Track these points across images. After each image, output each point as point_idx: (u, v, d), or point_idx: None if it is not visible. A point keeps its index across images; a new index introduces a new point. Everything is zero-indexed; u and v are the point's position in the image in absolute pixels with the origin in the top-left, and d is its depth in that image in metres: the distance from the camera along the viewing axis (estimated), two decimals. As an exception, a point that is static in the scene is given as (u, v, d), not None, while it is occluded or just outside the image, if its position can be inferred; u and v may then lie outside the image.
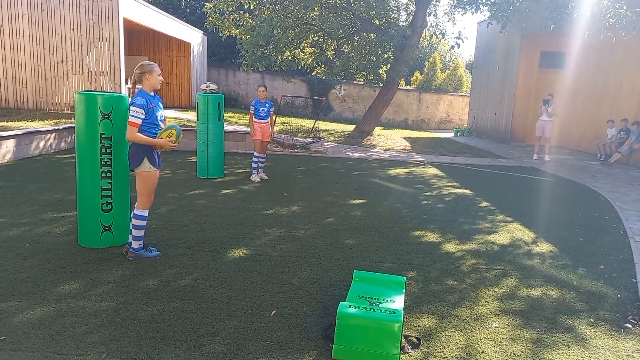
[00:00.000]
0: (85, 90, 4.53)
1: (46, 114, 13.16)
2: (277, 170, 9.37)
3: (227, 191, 7.30)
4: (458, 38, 14.57)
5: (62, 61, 13.67)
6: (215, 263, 4.29)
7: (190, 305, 3.43)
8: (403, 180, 9.04)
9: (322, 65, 17.41)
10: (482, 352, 3.01)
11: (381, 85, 15.63)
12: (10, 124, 10.97)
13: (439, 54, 26.23)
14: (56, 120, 11.80)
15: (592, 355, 3.04)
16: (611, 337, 3.28)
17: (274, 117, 8.55)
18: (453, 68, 25.58)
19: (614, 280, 4.31)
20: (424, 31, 15.79)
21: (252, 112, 8.09)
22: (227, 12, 14.53)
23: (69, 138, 10.97)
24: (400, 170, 10.22)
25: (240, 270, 4.13)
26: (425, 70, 25.42)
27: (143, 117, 3.97)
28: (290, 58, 15.60)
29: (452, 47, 16.87)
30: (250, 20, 14.38)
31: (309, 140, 13.93)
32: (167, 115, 15.38)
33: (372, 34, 15.24)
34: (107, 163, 4.41)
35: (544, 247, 5.21)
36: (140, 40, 20.28)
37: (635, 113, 12.59)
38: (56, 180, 7.41)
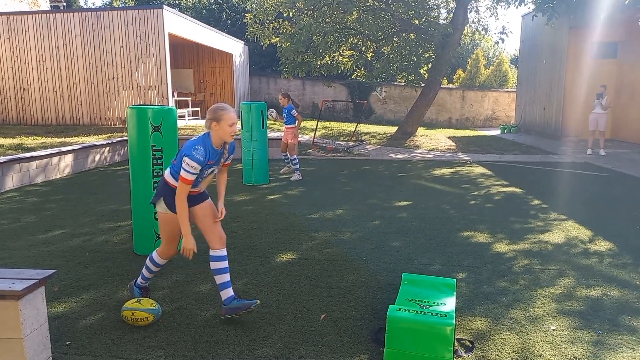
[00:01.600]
0: (136, 105, 4.73)
1: (100, 128, 13.83)
2: (321, 175, 9.42)
3: (272, 197, 7.41)
4: (502, 33, 14.22)
5: (113, 78, 14.33)
6: (264, 268, 4.36)
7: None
8: (449, 181, 8.87)
9: (362, 68, 17.39)
10: (540, 356, 2.91)
11: (422, 85, 15.43)
12: (68, 139, 11.60)
13: (482, 50, 25.58)
14: (109, 135, 12.37)
15: (660, 358, 2.87)
16: (681, 340, 3.09)
17: (299, 117, 8.98)
18: (497, 64, 24.88)
19: (682, 279, 4.06)
20: (466, 28, 15.48)
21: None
22: (267, 21, 14.80)
23: (122, 151, 11.46)
24: (446, 171, 10.03)
25: (288, 275, 4.18)
26: (468, 67, 24.86)
27: (197, 174, 3.13)
28: (329, 63, 15.69)
29: (497, 42, 16.49)
30: (290, 28, 14.59)
31: (351, 143, 13.92)
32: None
33: (411, 34, 15.10)
34: (159, 174, 4.57)
35: (602, 246, 4.98)
36: (184, 53, 20.97)
37: (698, 101, 11.82)
38: (112, 192, 7.76)
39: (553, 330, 3.23)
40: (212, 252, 3.40)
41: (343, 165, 10.75)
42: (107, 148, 10.92)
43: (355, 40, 15.39)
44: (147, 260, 3.52)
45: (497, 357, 2.90)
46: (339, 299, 3.72)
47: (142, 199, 4.61)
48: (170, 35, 14.61)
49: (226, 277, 3.34)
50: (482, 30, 16.22)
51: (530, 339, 3.11)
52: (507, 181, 8.73)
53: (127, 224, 5.75)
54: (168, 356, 2.87)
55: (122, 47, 14.16)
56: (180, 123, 15.63)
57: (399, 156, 12.20)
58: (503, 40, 15.14)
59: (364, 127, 18.30)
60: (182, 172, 3.09)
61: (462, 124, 24.06)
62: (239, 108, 17.34)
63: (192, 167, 3.08)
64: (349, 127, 17.77)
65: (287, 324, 3.29)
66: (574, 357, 2.90)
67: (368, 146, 13.82)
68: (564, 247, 4.94)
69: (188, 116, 17.17)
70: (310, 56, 14.45)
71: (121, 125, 14.26)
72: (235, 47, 21.08)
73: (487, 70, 24.75)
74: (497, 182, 8.65)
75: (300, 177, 8.87)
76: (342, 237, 5.29)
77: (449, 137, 16.24)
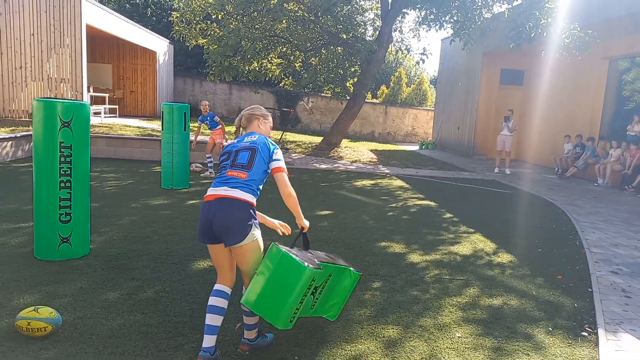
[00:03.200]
0: (44, 97, 4.39)
1: (3, 121, 12.66)
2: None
3: (192, 202, 7.19)
4: (423, 54, 14.94)
5: (21, 67, 13.23)
6: (178, 275, 4.20)
7: (151, 319, 3.34)
8: (369, 192, 9.13)
9: (290, 77, 17.48)
10: (445, 362, 3.06)
11: (348, 98, 15.80)
12: (-38, 130, 10.50)
13: (404, 68, 26.76)
14: (13, 128, 11.36)
15: (550, 362, 3.13)
16: (568, 345, 3.39)
17: (222, 123, 9.94)
18: (418, 83, 26.13)
19: (571, 290, 4.47)
20: (390, 46, 16.10)
21: (200, 124, 9.97)
22: (194, 22, 14.43)
23: (27, 146, 10.57)
24: (367, 182, 10.32)
25: (204, 283, 4.06)
26: (391, 84, 25.87)
27: None
28: (257, 69, 15.60)
29: (417, 62, 17.37)
30: (218, 31, 14.32)
31: (276, 151, 13.88)
32: (131, 124, 15.07)
33: (339, 48, 15.43)
34: (67, 172, 4.27)
35: (504, 258, 5.36)
36: (104, 47, 19.87)
37: (589, 129, 13.17)
38: (12, 190, 7.12)
39: (458, 337, 3.41)
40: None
41: (266, 172, 10.68)
42: (10, 142, 10.03)
43: (284, 48, 15.45)
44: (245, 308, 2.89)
45: (406, 364, 3.01)
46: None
47: (45, 199, 4.27)
48: (88, 26, 13.77)
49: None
50: (405, 49, 16.95)
51: (437, 346, 3.26)
52: (423, 194, 9.15)
53: (28, 225, 5.29)
54: (67, 369, 2.67)
55: (33, 35, 13.12)
56: (96, 120, 14.74)
57: (323, 166, 12.37)
58: (424, 61, 16.02)
59: (290, 136, 18.36)
60: (281, 163, 2.95)
61: (384, 138, 24.91)
62: (160, 108, 16.70)
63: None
64: (275, 135, 17.73)
65: (199, 333, 3.17)
66: (476, 363, 3.07)
67: (293, 155, 13.87)
68: (471, 259, 5.26)
69: (105, 113, 16.23)
70: (239, 61, 14.28)
71: (27, 119, 13.16)
72: (159, 45, 20.32)
73: (408, 88, 25.89)
74: (413, 195, 9.03)
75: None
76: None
77: (371, 150, 16.74)
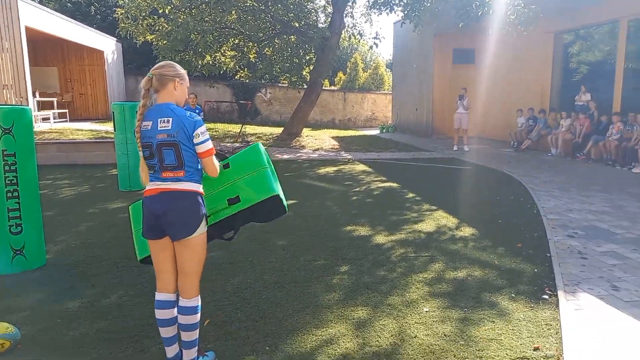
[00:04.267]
0: (-19, 104, 4.16)
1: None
2: (205, 178, 9.13)
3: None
4: (375, 38, 15.12)
5: (-42, 75, 12.51)
6: (141, 278, 4.09)
7: (115, 325, 3.25)
8: (332, 179, 9.15)
9: (245, 69, 17.25)
10: (415, 337, 3.11)
11: (305, 86, 15.75)
12: None
13: (359, 54, 26.87)
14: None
15: (515, 327, 3.23)
16: (531, 309, 3.51)
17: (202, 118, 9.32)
18: (374, 67, 26.33)
19: (531, 257, 4.62)
20: (343, 32, 16.10)
21: None
22: (141, 17, 13.99)
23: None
24: (330, 169, 10.34)
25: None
26: (348, 70, 25.94)
27: None
28: (211, 62, 15.31)
29: (371, 47, 17.40)
30: (166, 25, 13.94)
31: (237, 145, 13.73)
32: (83, 128, 14.55)
33: (292, 36, 15.33)
34: (13, 182, 4.07)
35: (466, 231, 5.49)
36: (47, 49, 19.00)
37: (539, 102, 13.61)
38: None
39: (426, 312, 3.47)
40: (191, 302, 2.68)
41: (228, 167, 10.53)
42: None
43: (237, 40, 15.21)
44: (188, 319, 2.66)
45: (377, 342, 3.04)
46: (224, 302, 3.62)
47: (-7, 211, 4.06)
48: (28, 29, 13.14)
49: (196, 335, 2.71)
50: (357, 34, 17.00)
51: (406, 322, 3.31)
52: (385, 177, 9.25)
53: (-23, 240, 5.02)
54: (28, 385, 2.56)
55: (-32, 40, 12.41)
56: (45, 126, 14.14)
57: (285, 156, 12.31)
58: (377, 45, 16.15)
59: (250, 129, 18.18)
60: (208, 144, 2.62)
61: (344, 125, 25.01)
62: (111, 109, 16.16)
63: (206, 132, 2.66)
64: (235, 128, 17.52)
65: (167, 334, 3.11)
66: (444, 334, 3.14)
67: (253, 147, 13.72)
68: (435, 235, 5.36)
69: (54, 118, 15.57)
70: (190, 55, 13.97)
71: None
72: (106, 44, 19.63)
73: (365, 73, 26.06)
74: (376, 178, 9.12)
75: None
76: (224, 242, 5.15)
77: (332, 137, 16.77)
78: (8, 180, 4.05)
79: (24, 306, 3.51)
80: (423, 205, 6.80)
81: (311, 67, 15.59)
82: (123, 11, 14.06)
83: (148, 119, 2.60)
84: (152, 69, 2.65)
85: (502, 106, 15.41)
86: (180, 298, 2.68)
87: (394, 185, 8.41)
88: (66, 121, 16.86)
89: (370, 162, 11.45)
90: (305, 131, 18.26)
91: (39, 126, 13.49)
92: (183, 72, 2.72)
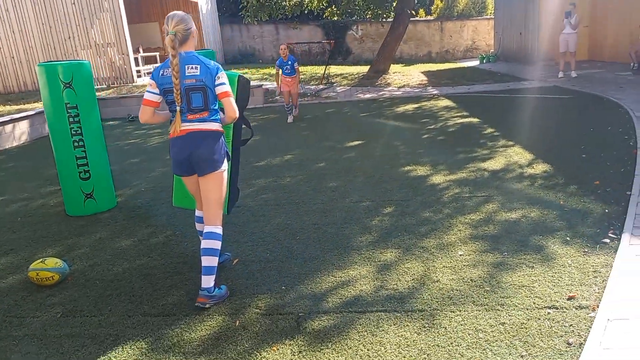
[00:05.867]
0: (46, 62, 4.53)
1: (63, 92, 13.45)
2: (281, 121, 9.25)
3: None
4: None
5: (70, 37, 13.81)
6: (192, 219, 4.31)
7: (155, 262, 3.50)
8: (409, 117, 8.73)
9: (333, 6, 16.71)
10: (437, 281, 2.92)
11: (390, 19, 14.91)
12: (27, 106, 11.32)
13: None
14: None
15: (556, 274, 2.89)
16: (583, 254, 3.10)
17: (299, 71, 8.92)
18: (475, -10, 23.93)
19: (606, 195, 4.04)
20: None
21: (279, 71, 8.73)
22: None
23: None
24: (410, 107, 9.86)
25: (214, 223, 4.15)
26: (445, -4, 23.93)
27: None
28: (296, 3, 15.06)
29: None
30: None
31: (320, 87, 13.62)
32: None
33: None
34: (77, 132, 4.45)
35: (538, 169, 4.94)
36: (148, 5, 20.11)
37: (670, 12, 11.44)
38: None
39: (460, 255, 3.23)
40: (217, 229, 2.92)
41: (308, 110, 10.52)
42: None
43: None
44: (213, 244, 2.88)
45: (394, 286, 2.92)
46: (258, 243, 3.71)
47: (64, 160, 4.52)
48: (124, -13, 13.93)
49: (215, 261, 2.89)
50: None
51: (433, 266, 3.12)
52: (468, 112, 8.59)
53: (68, 186, 5.67)
54: (66, 312, 2.89)
55: (74, 3, 13.54)
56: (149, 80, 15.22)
57: (367, 96, 11.96)
58: None
59: (339, 69, 17.85)
60: (226, 87, 2.81)
61: (442, 57, 23.48)
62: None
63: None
64: (319, 70, 17.31)
65: (196, 271, 3.28)
66: (470, 279, 2.91)
67: (338, 88, 13.52)
68: (500, 173, 4.90)
69: (156, 72, 16.66)
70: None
71: (85, 87, 13.89)
72: (200, -5, 20.21)
73: (465, -2, 23.84)
74: (457, 114, 8.51)
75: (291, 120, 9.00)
76: (282, 182, 5.24)
77: (423, 72, 15.88)
78: (73, 131, 4.44)
79: (84, 244, 3.93)
80: (498, 142, 6.23)
81: (397, -2, 14.62)
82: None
83: (169, 65, 2.78)
84: (172, 25, 2.76)
85: (622, 22, 13.25)
86: (205, 225, 2.94)
87: (474, 120, 7.78)
88: (168, 73, 17.95)
89: (456, 96, 10.69)
90: (396, 67, 17.47)
91: (143, 80, 14.56)
92: (193, 25, 2.87)
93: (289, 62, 8.61)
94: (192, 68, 2.78)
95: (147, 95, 2.86)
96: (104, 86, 13.78)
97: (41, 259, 3.27)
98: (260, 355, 2.38)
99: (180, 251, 3.65)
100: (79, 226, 4.35)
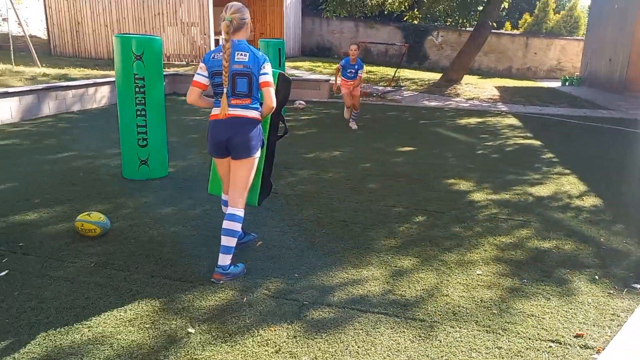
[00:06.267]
0: (121, 34, 4.90)
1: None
2: (340, 117, 9.34)
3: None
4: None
5: (159, 13, 14.68)
6: (231, 197, 4.54)
7: (188, 231, 3.74)
8: (469, 130, 8.54)
9: (414, 9, 16.54)
10: (446, 296, 2.92)
11: (471, 28, 14.54)
12: (112, 72, 12.18)
13: (553, -8, 23.39)
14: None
15: (571, 309, 2.80)
16: (608, 295, 2.97)
17: (361, 79, 7.90)
18: (569, 8, 22.73)
19: (653, 240, 3.81)
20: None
21: (339, 70, 7.84)
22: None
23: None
24: (473, 120, 9.63)
25: (249, 207, 4.33)
26: (535, 11, 22.93)
27: None
28: (377, 2, 15.05)
29: None
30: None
31: (389, 88, 13.58)
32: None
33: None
34: (141, 102, 4.80)
35: (588, 201, 4.72)
36: (236, -9, 20.84)
37: None
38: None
39: (478, 275, 3.20)
40: (241, 212, 3.09)
41: (369, 110, 10.56)
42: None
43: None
44: (235, 225, 3.04)
45: (402, 292, 2.95)
46: (285, 229, 3.85)
47: (126, 126, 4.89)
48: (215, -29, 14.57)
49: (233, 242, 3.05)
50: None
51: (447, 280, 3.11)
52: (532, 133, 8.27)
53: (130, 151, 6.11)
54: (99, 262, 3.17)
55: (167, -17, 14.37)
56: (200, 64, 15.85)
57: (432, 104, 11.80)
58: None
59: (410, 73, 17.68)
60: (269, 77, 2.99)
61: (522, 74, 22.53)
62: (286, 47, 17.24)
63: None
64: (399, 73, 17.21)
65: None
66: (481, 299, 2.88)
67: (406, 93, 13.43)
68: (545, 200, 4.73)
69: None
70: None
71: (165, 61, 14.72)
72: (286, -14, 20.67)
73: (557, 15, 22.72)
74: (519, 134, 8.22)
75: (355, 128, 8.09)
76: (324, 176, 5.35)
77: (497, 87, 15.37)
78: (137, 100, 4.79)
79: (130, 205, 4.25)
80: (554, 168, 5.98)
81: (482, 7, 14.24)
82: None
83: (221, 50, 2.96)
84: (229, 13, 2.94)
85: None
86: (229, 207, 3.11)
87: (536, 143, 7.49)
88: (245, 58, 18.58)
89: (525, 116, 10.29)
90: (471, 79, 17.05)
91: (219, 61, 15.19)
92: (249, 16, 3.04)
93: (355, 67, 7.66)
94: (241, 55, 2.94)
95: (196, 77, 3.05)
96: (184, 63, 14.53)
97: (88, 212, 3.60)
98: (257, 332, 2.51)
99: (213, 225, 3.86)
100: (130, 188, 4.70)
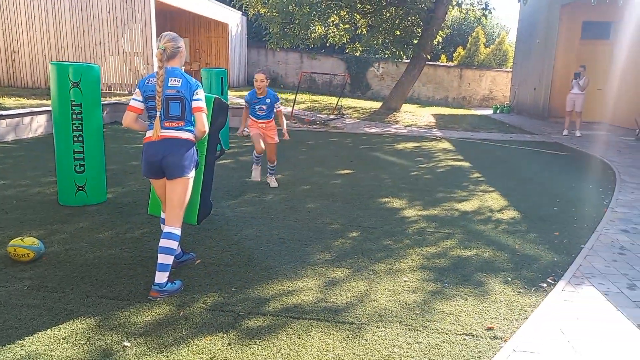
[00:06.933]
0: (57, 61, 4.93)
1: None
2: (284, 143, 9.55)
3: (219, 162, 7.63)
4: (485, 9, 14.02)
5: (100, 43, 14.53)
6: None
7: (125, 254, 3.77)
8: (406, 154, 9.00)
9: (357, 42, 17.26)
10: (374, 301, 3.13)
11: (407, 60, 15.39)
12: (48, 101, 11.89)
13: (482, 28, 25.16)
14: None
15: (485, 307, 3.08)
16: (518, 294, 3.28)
17: (281, 116, 6.02)
18: (498, 42, 24.51)
19: (560, 246, 4.23)
20: (453, 5, 15.28)
21: (246, 108, 5.93)
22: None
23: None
24: (409, 145, 10.15)
25: (189, 227, 4.42)
26: (467, 45, 24.54)
27: None
28: (319, 35, 15.62)
29: (479, 19, 16.18)
30: (276, -2, 14.55)
31: (332, 116, 14.03)
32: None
33: (393, 8, 14.95)
34: (78, 128, 4.82)
35: (507, 215, 5.14)
36: (180, 22, 20.99)
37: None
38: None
39: (404, 281, 3.44)
40: (175, 230, 3.16)
41: (312, 136, 10.90)
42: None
43: (343, 12, 15.31)
44: (170, 243, 3.11)
45: (334, 300, 3.14)
46: (224, 248, 3.96)
47: (62, 152, 4.87)
48: (158, 2, 14.69)
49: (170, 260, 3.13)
50: (459, 4, 15.87)
51: (376, 287, 3.33)
52: (462, 156, 8.84)
53: (67, 178, 6.02)
54: (32, 286, 3.16)
55: (109, 12, 14.31)
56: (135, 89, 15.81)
57: (373, 130, 12.31)
58: (486, 17, 14.83)
59: (353, 102, 18.33)
60: (201, 103, 3.15)
61: (458, 103, 23.88)
62: (231, 78, 17.37)
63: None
64: (341, 101, 17.79)
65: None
66: (405, 303, 3.12)
67: (348, 120, 13.91)
68: (470, 215, 5.11)
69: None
70: (296, 27, 14.44)
71: (106, 90, 14.52)
72: (231, 17, 21.06)
73: (487, 49, 24.41)
74: (451, 157, 8.76)
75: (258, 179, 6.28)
76: (264, 198, 5.51)
77: (433, 114, 16.23)
78: (74, 126, 4.80)
79: (66, 230, 4.22)
80: (480, 186, 6.45)
81: (415, 41, 15.13)
82: (239, -15, 14.97)
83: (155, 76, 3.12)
84: (163, 42, 3.11)
85: (636, 88, 13.49)
86: (165, 225, 3.19)
87: (465, 164, 8.02)
88: (190, 87, 18.63)
89: (458, 141, 10.96)
90: (409, 107, 17.90)
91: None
92: (183, 45, 3.22)
93: (266, 101, 5.70)
94: (174, 80, 3.12)
95: (131, 102, 3.19)
96: (126, 92, 14.38)
97: (21, 237, 3.57)
98: (193, 342, 2.61)
99: (150, 247, 3.91)
100: (65, 214, 4.66)
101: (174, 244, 3.15)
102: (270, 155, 6.01)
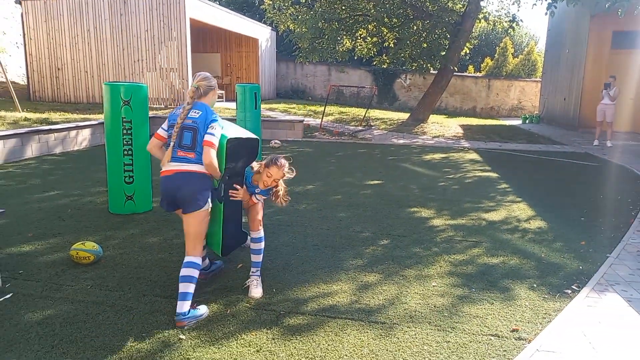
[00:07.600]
0: (111, 82, 5.37)
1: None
2: (314, 155, 9.91)
3: (257, 172, 7.96)
4: (512, 21, 14.10)
5: (139, 60, 15.25)
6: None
7: (173, 257, 4.11)
8: (433, 165, 9.18)
9: (384, 54, 17.57)
10: (405, 303, 3.36)
11: (434, 72, 15.57)
12: (92, 116, 12.57)
13: (511, 38, 25.08)
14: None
15: (510, 311, 3.26)
16: (543, 299, 3.45)
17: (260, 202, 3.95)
18: (527, 52, 24.39)
19: (586, 255, 4.35)
20: (484, 18, 15.41)
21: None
22: (284, 7, 15.28)
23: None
24: (437, 156, 10.31)
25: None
26: (495, 55, 24.50)
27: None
28: (348, 49, 15.98)
29: (507, 30, 16.24)
30: (305, 14, 15.00)
31: (360, 128, 14.30)
32: (230, 107, 16.53)
33: (420, 21, 15.19)
34: (128, 142, 5.22)
35: (534, 224, 5.27)
36: (212, 38, 21.75)
37: None
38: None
39: (433, 286, 3.66)
40: (195, 259, 3.24)
41: (341, 147, 11.18)
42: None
43: (370, 27, 15.64)
44: (191, 272, 3.16)
45: (367, 302, 3.38)
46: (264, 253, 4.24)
47: (113, 164, 5.28)
48: (193, 20, 15.34)
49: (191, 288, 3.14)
50: (486, 18, 15.94)
51: (406, 291, 3.56)
52: (490, 167, 8.95)
53: (114, 189, 6.46)
54: (95, 285, 3.51)
55: (147, 31, 15.02)
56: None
57: (401, 141, 12.51)
58: (513, 29, 14.90)
59: (380, 113, 18.56)
60: (210, 137, 3.16)
61: (486, 113, 23.82)
62: (262, 90, 17.94)
63: (218, 131, 3.24)
64: (369, 113, 18.07)
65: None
66: (434, 305, 3.33)
67: (375, 131, 14.15)
68: (497, 224, 5.27)
69: (211, 98, 17.94)
70: (325, 41, 14.82)
71: (144, 105, 15.17)
72: (261, 33, 21.68)
73: (515, 59, 24.31)
74: (479, 168, 8.88)
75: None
76: (298, 208, 5.80)
77: (461, 125, 16.31)
78: (125, 140, 5.21)
79: (119, 236, 4.60)
80: (507, 197, 6.58)
81: (443, 53, 15.31)
82: (270, 2, 15.50)
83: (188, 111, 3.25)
84: (196, 81, 3.29)
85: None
86: (186, 255, 3.24)
87: (493, 175, 8.15)
88: (222, 101, 19.25)
89: (485, 151, 11.05)
90: (437, 118, 18.02)
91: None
92: (215, 84, 3.37)
93: (257, 191, 3.76)
94: (195, 112, 3.20)
95: (159, 130, 3.36)
96: (162, 106, 15.02)
97: (82, 242, 3.95)
98: (241, 337, 2.89)
99: (196, 252, 4.23)
100: (117, 222, 5.05)
101: (195, 272, 3.16)
102: (253, 221, 3.80)
